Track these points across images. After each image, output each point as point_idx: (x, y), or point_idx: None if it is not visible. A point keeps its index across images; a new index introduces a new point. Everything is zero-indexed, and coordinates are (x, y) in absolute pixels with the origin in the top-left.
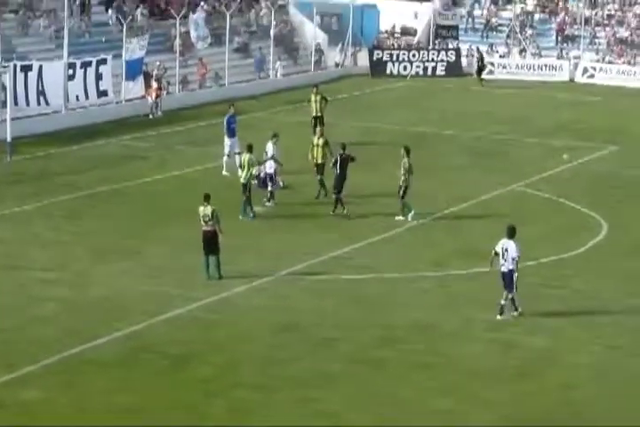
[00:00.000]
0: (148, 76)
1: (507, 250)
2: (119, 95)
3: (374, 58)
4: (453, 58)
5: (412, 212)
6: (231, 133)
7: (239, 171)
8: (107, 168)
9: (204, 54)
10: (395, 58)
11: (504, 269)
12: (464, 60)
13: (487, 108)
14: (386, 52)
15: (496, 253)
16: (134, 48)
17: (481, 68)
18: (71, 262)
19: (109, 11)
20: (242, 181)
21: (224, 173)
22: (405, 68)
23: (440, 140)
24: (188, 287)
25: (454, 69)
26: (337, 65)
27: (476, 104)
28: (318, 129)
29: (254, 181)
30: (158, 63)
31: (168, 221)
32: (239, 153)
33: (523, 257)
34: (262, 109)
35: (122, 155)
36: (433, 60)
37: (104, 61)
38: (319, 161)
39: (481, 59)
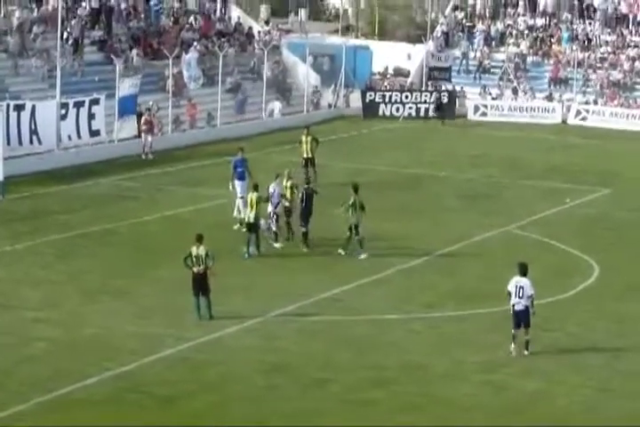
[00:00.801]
0: (141, 116)
1: (522, 288)
2: (112, 135)
3: (367, 99)
4: (446, 99)
5: (363, 254)
6: (239, 177)
7: (246, 211)
8: (98, 208)
9: (197, 95)
10: (387, 99)
11: (519, 307)
12: (457, 102)
13: (480, 150)
14: (378, 93)
15: (509, 293)
16: (127, 86)
17: (439, 106)
18: (62, 302)
19: (116, 59)
20: (251, 220)
21: (234, 214)
22: (398, 109)
23: (433, 182)
24: (178, 327)
25: (447, 111)
26: (329, 106)
27: (469, 146)
28: (286, 172)
29: (265, 221)
30: (151, 103)
31: (159, 261)
32: (242, 197)
33: None
34: (255, 150)
35: (113, 195)
36: (425, 101)
37: (97, 101)
38: (287, 204)
39: (439, 96)
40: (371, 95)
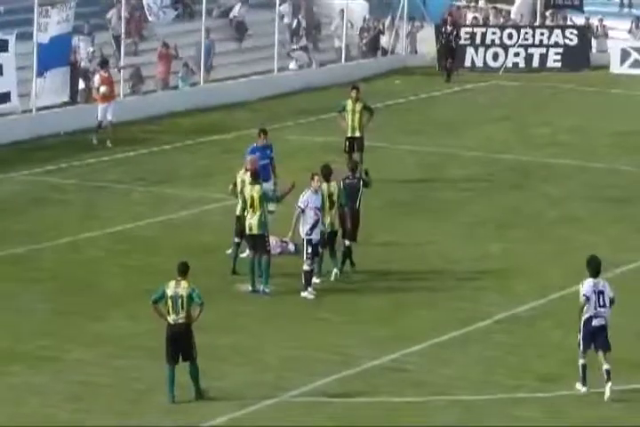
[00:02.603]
0: (76, 69)
1: (601, 293)
2: (29, 101)
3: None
4: (575, 40)
5: (336, 270)
6: (264, 174)
7: (248, 218)
8: (6, 219)
9: (166, 34)
10: (478, 40)
11: (599, 321)
12: (594, 44)
13: (631, 123)
14: (464, 30)
15: (587, 298)
16: (54, 21)
17: (452, 50)
18: None
19: None
20: (253, 230)
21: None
22: (496, 56)
23: (551, 176)
24: (136, 415)
25: (576, 59)
26: (384, 52)
27: (613, 117)
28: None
29: (290, 246)
30: (92, 49)
31: (103, 308)
32: (271, 211)
33: None
34: (260, 123)
35: (29, 197)
36: (542, 43)
37: (3, 46)
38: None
39: (453, 26)
40: (451, 34)
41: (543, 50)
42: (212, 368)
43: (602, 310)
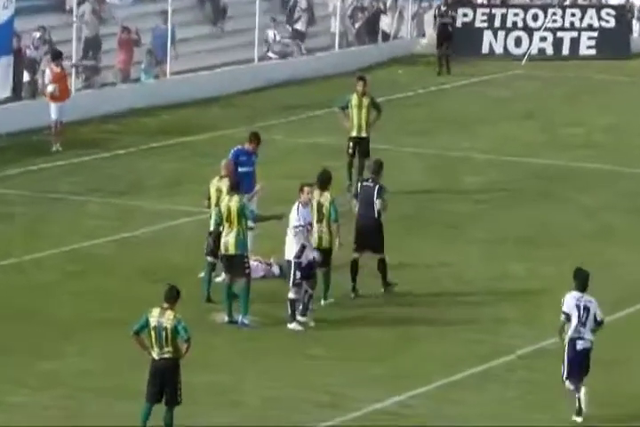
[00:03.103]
0: (21, 58)
1: (586, 309)
2: None
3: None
4: (612, 23)
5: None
6: (247, 183)
7: (224, 235)
8: None
9: (127, 16)
10: (497, 23)
11: (584, 343)
12: (635, 28)
13: None
14: (480, 11)
15: (567, 316)
16: None
17: (448, 37)
18: None
19: None
20: (229, 250)
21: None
22: (519, 41)
23: (583, 183)
24: None
25: (614, 45)
26: (385, 36)
27: None
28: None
29: (274, 268)
30: (38, 34)
31: (52, 341)
32: (251, 228)
33: None
34: (240, 123)
35: None
36: (573, 26)
37: None
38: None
39: (448, 7)
40: (465, 15)
41: (574, 34)
42: (184, 411)
43: (583, 330)
